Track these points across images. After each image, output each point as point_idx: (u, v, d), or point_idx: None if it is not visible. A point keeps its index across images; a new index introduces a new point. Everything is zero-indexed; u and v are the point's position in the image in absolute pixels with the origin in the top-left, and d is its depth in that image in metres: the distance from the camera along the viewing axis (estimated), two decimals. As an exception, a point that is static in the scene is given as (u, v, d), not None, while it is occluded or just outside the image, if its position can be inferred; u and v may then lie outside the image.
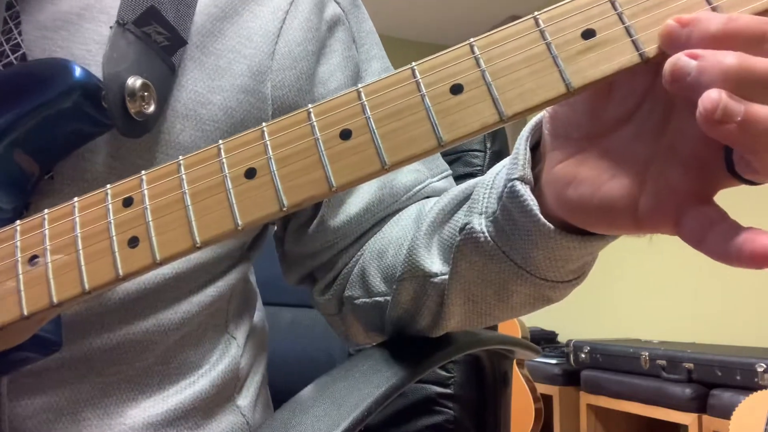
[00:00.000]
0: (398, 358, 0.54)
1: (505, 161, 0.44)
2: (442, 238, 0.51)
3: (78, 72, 0.45)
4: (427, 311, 0.53)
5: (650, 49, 0.31)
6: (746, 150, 0.28)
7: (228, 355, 0.60)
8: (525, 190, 0.40)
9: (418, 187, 0.61)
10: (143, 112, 0.47)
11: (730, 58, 0.28)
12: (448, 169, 0.66)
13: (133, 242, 0.35)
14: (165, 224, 0.35)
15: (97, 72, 0.46)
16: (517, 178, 0.41)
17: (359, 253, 0.60)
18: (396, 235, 0.57)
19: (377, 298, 0.57)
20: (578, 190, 0.36)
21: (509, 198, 0.41)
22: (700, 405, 2.31)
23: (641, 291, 3.10)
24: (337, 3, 0.63)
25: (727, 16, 0.29)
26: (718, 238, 0.29)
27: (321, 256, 0.61)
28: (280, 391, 0.58)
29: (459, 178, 0.74)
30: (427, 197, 0.62)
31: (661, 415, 2.45)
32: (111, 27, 0.48)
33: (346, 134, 0.33)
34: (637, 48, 0.31)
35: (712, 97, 0.27)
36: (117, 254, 0.35)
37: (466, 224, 0.46)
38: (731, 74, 0.28)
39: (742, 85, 0.28)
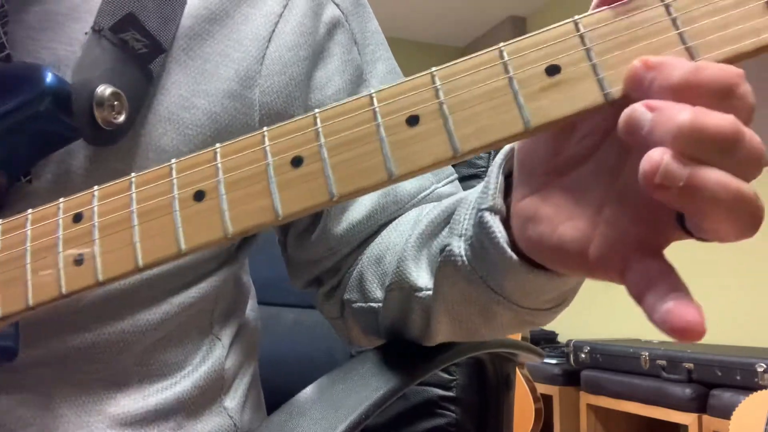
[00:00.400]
0: (398, 361, 0.53)
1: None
2: (431, 252, 0.49)
3: (49, 78, 0.44)
4: (415, 324, 0.52)
5: (616, 90, 0.29)
6: (691, 214, 0.26)
7: (212, 356, 0.58)
8: (494, 221, 0.39)
9: (423, 194, 0.59)
10: (111, 122, 0.45)
11: (683, 115, 0.25)
12: (454, 173, 0.64)
13: (79, 260, 0.35)
14: (110, 243, 0.34)
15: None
16: (486, 209, 0.39)
17: (360, 257, 0.59)
18: (394, 240, 0.56)
19: (372, 304, 0.56)
20: (537, 229, 0.34)
21: (479, 227, 0.40)
22: (700, 405, 2.30)
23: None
24: (336, 5, 0.60)
25: (695, 64, 0.27)
26: (652, 300, 0.27)
27: (325, 262, 0.60)
28: (281, 392, 0.57)
29: (463, 180, 0.73)
30: None
31: (661, 415, 2.44)
32: (86, 33, 0.47)
33: (297, 161, 0.32)
34: (602, 88, 0.29)
35: (653, 159, 0.25)
36: (62, 271, 0.35)
37: (446, 246, 0.45)
38: (683, 133, 0.25)
39: (692, 145, 0.25)
